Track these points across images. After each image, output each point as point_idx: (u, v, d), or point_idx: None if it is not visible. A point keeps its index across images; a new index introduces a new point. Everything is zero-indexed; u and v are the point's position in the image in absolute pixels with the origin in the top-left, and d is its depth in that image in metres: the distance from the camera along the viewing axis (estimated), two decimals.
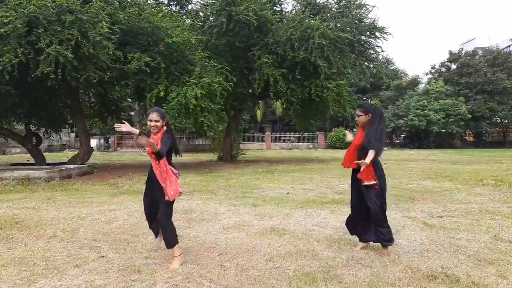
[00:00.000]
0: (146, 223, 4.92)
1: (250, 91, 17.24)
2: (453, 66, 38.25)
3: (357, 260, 3.45)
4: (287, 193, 7.79)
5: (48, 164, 13.63)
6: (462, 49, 39.56)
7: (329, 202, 6.64)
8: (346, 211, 5.79)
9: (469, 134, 38.66)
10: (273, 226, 4.75)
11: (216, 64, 13.20)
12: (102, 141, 36.63)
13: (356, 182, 3.75)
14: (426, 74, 41.95)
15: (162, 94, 11.95)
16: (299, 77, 14.60)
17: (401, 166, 14.35)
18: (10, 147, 29.32)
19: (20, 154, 27.22)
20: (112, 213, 5.68)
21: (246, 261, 3.48)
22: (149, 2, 16.96)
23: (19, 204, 6.48)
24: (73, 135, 36.09)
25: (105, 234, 4.42)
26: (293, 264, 3.38)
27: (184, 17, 14.96)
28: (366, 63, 16.76)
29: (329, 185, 9.19)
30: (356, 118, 3.81)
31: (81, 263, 3.42)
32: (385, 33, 15.75)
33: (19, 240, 4.22)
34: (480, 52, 38.96)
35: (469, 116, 32.26)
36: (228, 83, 13.10)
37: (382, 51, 17.39)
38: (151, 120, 3.37)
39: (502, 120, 35.49)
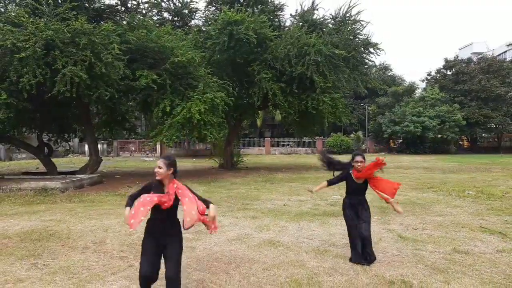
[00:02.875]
0: None
1: (250, 101, 18.11)
2: (449, 73, 39.20)
3: (335, 269, 4.30)
4: (284, 205, 8.64)
5: (60, 173, 14.50)
6: (458, 56, 40.50)
7: (320, 214, 7.48)
8: (335, 223, 6.66)
9: (464, 139, 39.55)
10: (269, 239, 5.60)
11: (218, 80, 14.06)
12: (105, 146, 37.51)
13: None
14: (423, 80, 42.94)
15: (168, 109, 12.80)
16: (296, 90, 15.48)
17: (393, 175, 15.13)
18: (16, 153, 30.24)
19: (26, 160, 28.13)
20: None
21: (247, 270, 4.33)
22: (153, 18, 17.86)
23: (46, 216, 7.32)
24: (76, 140, 36.94)
25: (129, 246, 5.26)
26: (285, 272, 4.23)
27: (187, 35, 15.79)
28: (360, 78, 17.61)
29: (322, 196, 10.02)
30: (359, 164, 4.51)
31: (116, 271, 4.27)
32: (378, 48, 16.66)
33: (58, 251, 5.06)
34: (475, 59, 39.88)
35: (464, 122, 33.14)
36: (230, 98, 13.96)
37: (376, 66, 18.20)
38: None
39: (497, 125, 36.37)
